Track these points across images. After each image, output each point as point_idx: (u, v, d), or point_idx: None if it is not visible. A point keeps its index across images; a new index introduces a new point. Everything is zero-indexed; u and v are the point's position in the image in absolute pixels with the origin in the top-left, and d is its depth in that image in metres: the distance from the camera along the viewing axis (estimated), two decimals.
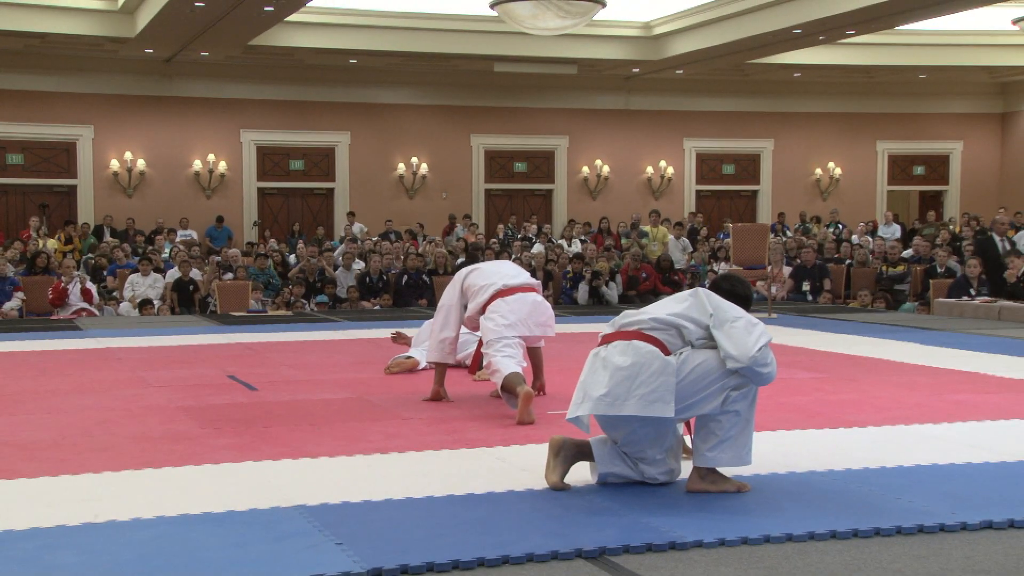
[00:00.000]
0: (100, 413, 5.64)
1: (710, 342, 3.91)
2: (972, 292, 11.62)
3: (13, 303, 12.22)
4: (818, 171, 22.45)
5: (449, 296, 5.99)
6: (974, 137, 23.10)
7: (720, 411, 3.87)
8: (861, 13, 15.05)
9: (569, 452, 4.02)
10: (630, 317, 4.06)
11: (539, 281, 6.21)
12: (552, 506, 3.78)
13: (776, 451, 4.55)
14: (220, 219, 18.99)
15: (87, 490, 4.02)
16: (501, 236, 18.37)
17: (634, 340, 3.95)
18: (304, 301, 13.39)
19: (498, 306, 5.71)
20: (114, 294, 13.34)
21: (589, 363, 4.09)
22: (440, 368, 6.00)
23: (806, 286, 13.85)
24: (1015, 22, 15.71)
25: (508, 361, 5.48)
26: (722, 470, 3.96)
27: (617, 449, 4.01)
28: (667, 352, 3.90)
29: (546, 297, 13.82)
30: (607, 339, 4.07)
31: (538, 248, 16.32)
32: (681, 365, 3.88)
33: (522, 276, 5.95)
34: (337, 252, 15.31)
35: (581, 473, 4.11)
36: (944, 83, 22.00)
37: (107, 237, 17.44)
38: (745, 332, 3.84)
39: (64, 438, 4.99)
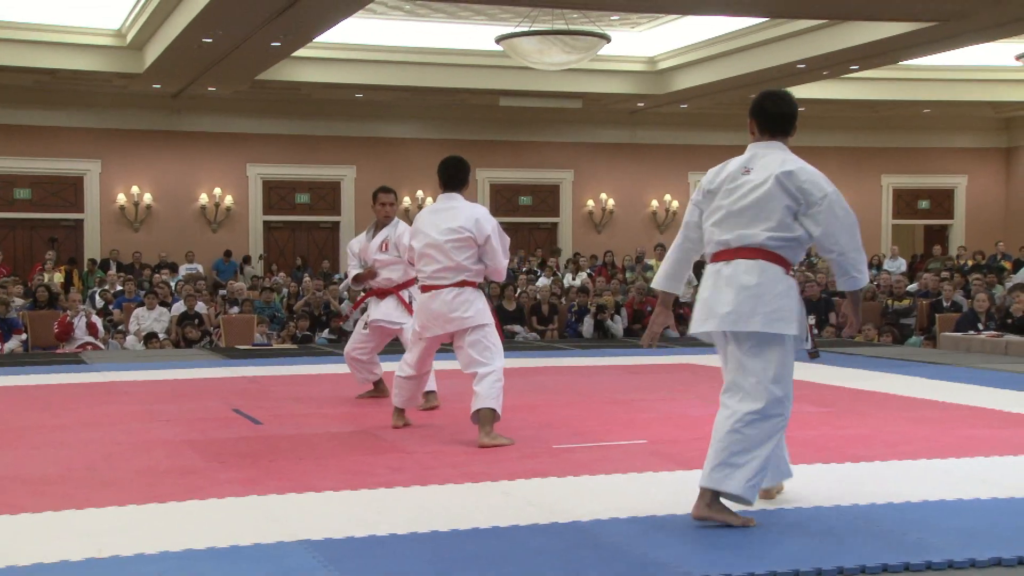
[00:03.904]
0: (105, 447, 5.63)
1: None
2: (979, 326, 11.59)
3: (12, 343, 12.23)
4: None
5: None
6: (979, 171, 23.15)
7: (737, 428, 3.90)
8: (865, 48, 15.15)
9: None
10: (741, 229, 4.04)
11: (477, 237, 5.77)
12: (557, 541, 3.76)
13: (783, 485, 4.52)
14: (228, 253, 19.06)
15: (91, 525, 3.99)
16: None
17: (759, 259, 4.00)
18: (310, 334, 13.39)
19: (417, 308, 6.09)
20: (120, 328, 13.36)
21: (711, 280, 4.11)
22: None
23: (811, 320, 13.81)
24: (1019, 58, 15.78)
25: (395, 397, 6.21)
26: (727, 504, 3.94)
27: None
28: (788, 266, 4.02)
29: (551, 331, 13.94)
30: (727, 256, 4.08)
31: (543, 282, 16.33)
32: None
33: (440, 260, 5.77)
34: (342, 285, 15.33)
35: (584, 505, 4.08)
36: (948, 118, 22.08)
37: (112, 271, 17.50)
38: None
39: (68, 472, 4.98)
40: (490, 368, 5.64)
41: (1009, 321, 11.54)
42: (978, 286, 13.26)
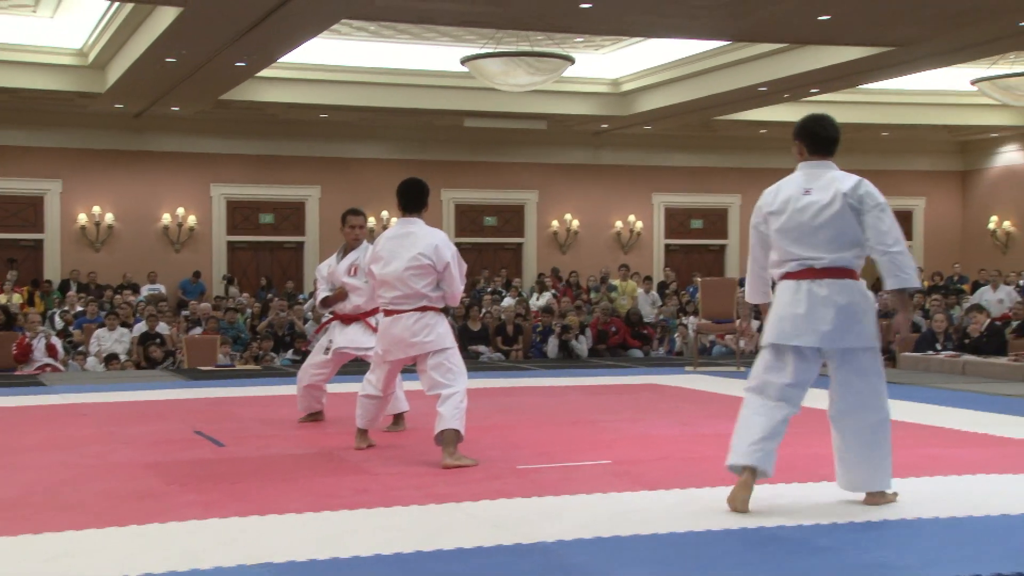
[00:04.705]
0: (64, 470, 5.56)
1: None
2: (938, 347, 11.75)
3: None
4: None
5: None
6: (936, 194, 23.50)
7: (876, 438, 4.56)
8: (824, 72, 15.36)
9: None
10: (824, 250, 4.43)
11: (437, 265, 5.76)
12: (522, 562, 3.76)
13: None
14: (197, 274, 18.93)
15: (49, 549, 3.94)
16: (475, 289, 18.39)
17: (846, 279, 4.46)
18: (273, 355, 13.31)
19: (379, 332, 6.01)
20: (80, 349, 13.20)
21: (804, 298, 4.47)
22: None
23: None
24: (974, 83, 16.06)
25: (358, 418, 6.13)
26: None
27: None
28: (858, 276, 4.51)
29: (515, 351, 13.95)
30: (814, 275, 4.45)
31: (508, 302, 16.34)
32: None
33: (399, 288, 5.75)
34: (307, 306, 15.26)
35: (548, 526, 4.09)
36: (906, 141, 22.41)
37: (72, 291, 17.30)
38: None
39: (26, 496, 4.91)
40: (453, 389, 5.64)
41: (966, 341, 11.71)
42: (936, 307, 13.43)
